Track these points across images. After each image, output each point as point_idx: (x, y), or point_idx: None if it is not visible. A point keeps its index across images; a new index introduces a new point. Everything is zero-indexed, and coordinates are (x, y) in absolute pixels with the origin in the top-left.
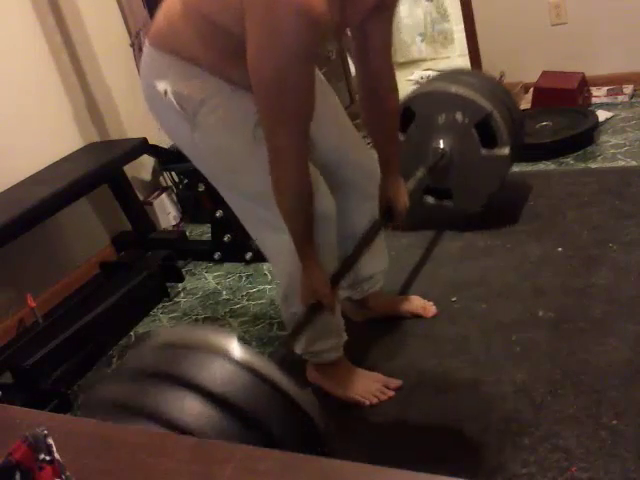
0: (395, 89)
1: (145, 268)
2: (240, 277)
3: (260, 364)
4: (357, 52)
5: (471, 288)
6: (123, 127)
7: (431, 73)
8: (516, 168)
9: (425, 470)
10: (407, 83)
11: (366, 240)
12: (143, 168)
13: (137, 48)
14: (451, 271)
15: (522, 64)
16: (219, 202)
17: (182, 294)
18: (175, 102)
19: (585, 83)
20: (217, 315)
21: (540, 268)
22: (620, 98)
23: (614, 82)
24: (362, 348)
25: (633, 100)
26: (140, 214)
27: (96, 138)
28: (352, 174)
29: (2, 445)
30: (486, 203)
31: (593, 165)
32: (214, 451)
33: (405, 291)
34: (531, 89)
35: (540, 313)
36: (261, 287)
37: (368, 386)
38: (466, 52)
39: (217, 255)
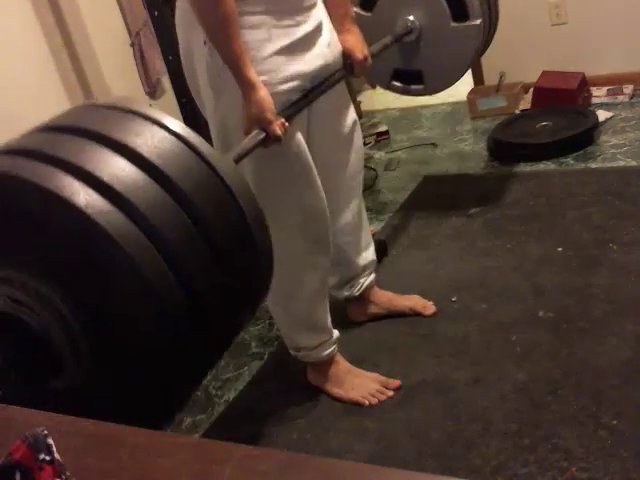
0: None
1: None
2: None
3: (191, 135)
4: None
5: (471, 288)
6: None
7: None
8: (516, 168)
9: (425, 470)
10: None
11: (327, 85)
12: None
13: (137, 48)
14: (451, 271)
15: (522, 64)
16: None
17: None
18: (209, 53)
19: (585, 83)
20: None
21: (540, 268)
22: (620, 98)
23: (614, 82)
24: (362, 348)
25: (633, 100)
26: None
27: None
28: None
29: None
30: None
31: (593, 165)
32: (214, 451)
33: (405, 291)
34: (531, 89)
35: (540, 313)
36: None
37: (367, 386)
38: None
39: None
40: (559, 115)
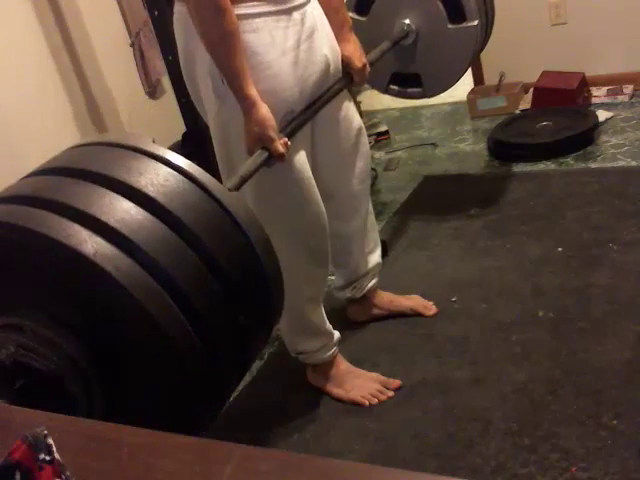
0: None
1: None
2: None
3: (194, 169)
4: None
5: (471, 288)
6: (123, 127)
7: None
8: (516, 168)
9: (425, 470)
10: None
11: (328, 97)
12: None
13: (137, 48)
14: (451, 271)
15: (522, 64)
16: None
17: None
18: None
19: (585, 83)
20: None
21: (540, 268)
22: (620, 98)
23: (614, 82)
24: (362, 348)
25: (633, 100)
26: None
27: None
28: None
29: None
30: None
31: (593, 165)
32: (214, 451)
33: (405, 291)
34: (531, 89)
35: (540, 313)
36: None
37: (367, 386)
38: None
39: None
40: (559, 115)
